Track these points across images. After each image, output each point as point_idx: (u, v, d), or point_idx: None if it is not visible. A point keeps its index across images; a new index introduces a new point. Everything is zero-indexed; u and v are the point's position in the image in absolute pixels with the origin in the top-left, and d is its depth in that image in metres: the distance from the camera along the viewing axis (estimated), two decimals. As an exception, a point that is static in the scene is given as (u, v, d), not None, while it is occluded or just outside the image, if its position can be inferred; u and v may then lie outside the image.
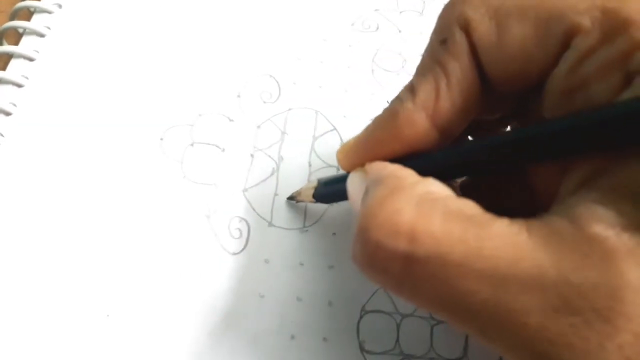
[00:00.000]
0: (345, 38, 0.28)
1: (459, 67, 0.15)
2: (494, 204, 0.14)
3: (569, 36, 0.13)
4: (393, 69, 0.28)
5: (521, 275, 0.11)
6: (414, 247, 0.12)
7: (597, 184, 0.12)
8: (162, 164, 0.24)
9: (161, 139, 0.24)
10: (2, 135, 0.24)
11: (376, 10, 0.30)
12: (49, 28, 0.27)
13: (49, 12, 0.28)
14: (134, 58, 0.26)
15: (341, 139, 0.25)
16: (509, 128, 0.19)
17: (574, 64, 0.13)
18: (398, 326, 0.21)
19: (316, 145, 0.25)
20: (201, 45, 0.27)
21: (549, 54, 0.14)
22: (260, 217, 0.23)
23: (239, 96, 0.26)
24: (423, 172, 0.14)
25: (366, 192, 0.14)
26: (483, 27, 0.14)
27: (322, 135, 0.25)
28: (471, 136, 0.19)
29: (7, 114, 0.24)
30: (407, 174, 0.14)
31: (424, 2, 0.30)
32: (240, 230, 0.22)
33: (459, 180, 0.19)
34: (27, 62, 0.26)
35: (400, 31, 0.29)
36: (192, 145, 0.24)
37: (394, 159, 0.16)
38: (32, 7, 0.28)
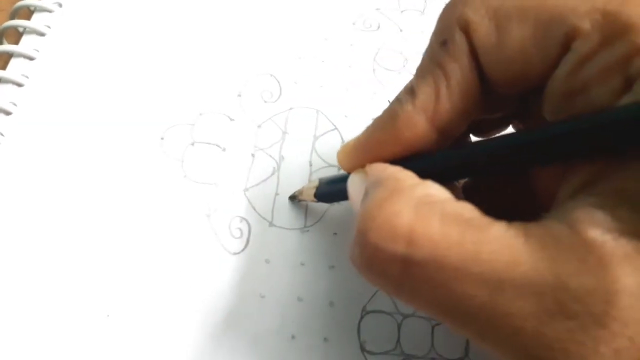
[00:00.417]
0: (346, 37, 0.28)
1: (458, 69, 0.15)
2: (493, 204, 0.14)
3: (569, 39, 0.13)
4: (394, 68, 0.27)
5: (518, 279, 0.11)
6: (412, 250, 0.12)
7: (595, 188, 0.12)
8: (162, 164, 0.23)
9: (162, 138, 0.24)
10: (2, 134, 0.23)
11: (377, 9, 0.30)
12: (49, 27, 0.27)
13: (49, 11, 0.27)
14: (134, 57, 0.26)
15: (342, 139, 0.25)
16: (510, 127, 0.19)
17: (574, 67, 0.13)
18: (399, 326, 0.21)
19: (317, 144, 0.25)
20: (202, 44, 0.27)
21: (549, 57, 0.13)
22: (261, 216, 0.23)
23: (239, 95, 0.26)
24: (423, 173, 0.14)
25: (366, 194, 0.14)
26: (483, 29, 0.14)
27: (323, 134, 0.25)
28: (473, 135, 0.19)
29: (7, 113, 0.24)
30: (407, 176, 0.14)
31: (425, 1, 0.30)
32: (241, 230, 0.22)
33: (462, 182, 0.19)
34: (27, 61, 0.26)
35: (401, 30, 0.29)
36: (192, 144, 0.24)
37: (394, 160, 0.16)
38: (32, 5, 0.27)
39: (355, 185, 0.17)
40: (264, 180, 0.24)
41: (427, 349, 0.20)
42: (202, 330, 0.20)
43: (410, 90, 0.15)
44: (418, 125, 0.15)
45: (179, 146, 0.24)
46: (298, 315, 0.21)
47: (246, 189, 0.23)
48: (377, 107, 0.26)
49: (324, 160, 0.24)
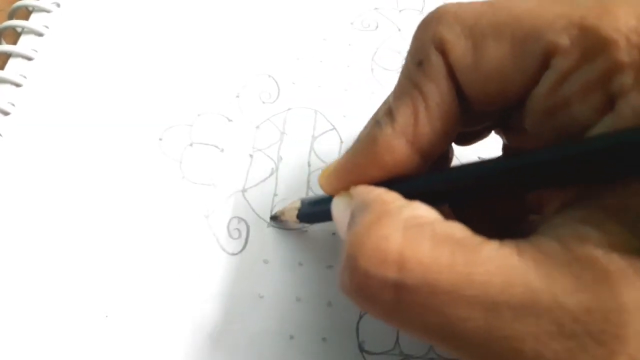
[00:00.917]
0: (344, 37, 0.28)
1: (436, 90, 0.14)
2: (481, 213, 0.13)
3: (547, 56, 0.13)
4: (393, 67, 0.27)
5: (513, 300, 0.11)
6: (403, 275, 0.12)
7: (582, 203, 0.12)
8: (161, 164, 0.24)
9: (160, 139, 0.24)
10: (0, 135, 0.23)
11: (376, 8, 0.30)
12: (47, 27, 0.27)
13: (48, 11, 0.27)
14: (132, 58, 0.26)
15: (341, 139, 0.25)
16: (493, 134, 0.19)
17: (554, 84, 0.13)
18: (397, 326, 0.21)
19: (315, 145, 0.25)
20: (200, 45, 0.27)
21: (528, 74, 0.13)
22: (259, 217, 0.23)
23: (238, 96, 0.26)
24: (409, 194, 0.14)
25: (352, 218, 0.14)
26: (459, 48, 0.14)
27: (321, 134, 0.25)
28: (455, 144, 0.19)
29: (6, 113, 0.24)
30: (393, 198, 0.14)
31: (423, 1, 0.30)
32: (239, 230, 0.22)
33: None
34: (25, 61, 0.26)
35: (399, 30, 0.29)
36: (191, 145, 0.24)
37: (378, 183, 0.15)
38: (30, 6, 0.27)
39: (339, 208, 0.17)
40: (263, 181, 0.24)
41: (426, 349, 0.20)
42: (200, 331, 0.20)
43: (388, 113, 0.15)
44: (398, 150, 0.15)
45: (178, 147, 0.24)
46: (296, 315, 0.21)
47: (244, 190, 0.23)
48: (376, 106, 0.26)
49: (322, 161, 0.24)
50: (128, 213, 0.22)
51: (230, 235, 0.22)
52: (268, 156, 0.24)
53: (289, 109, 0.26)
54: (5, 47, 0.26)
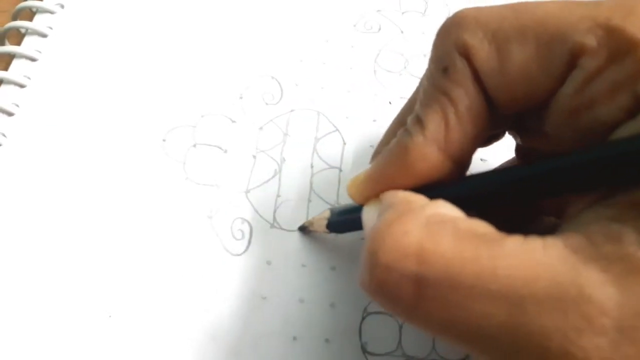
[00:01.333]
0: (347, 39, 0.28)
1: (465, 94, 0.14)
2: (493, 213, 0.13)
3: (574, 57, 0.13)
4: (395, 69, 0.28)
5: (539, 294, 0.10)
6: (424, 268, 0.12)
7: (609, 201, 0.12)
8: (164, 165, 0.24)
9: (163, 140, 0.24)
10: (4, 135, 0.24)
11: (378, 11, 0.30)
12: (51, 28, 0.27)
13: (52, 12, 0.28)
14: (136, 59, 0.26)
15: (343, 140, 0.25)
16: (507, 135, 0.19)
17: (581, 85, 0.13)
18: (400, 328, 0.21)
19: (318, 146, 0.25)
20: (203, 47, 0.27)
21: (554, 76, 0.13)
22: (263, 218, 0.23)
23: (241, 97, 0.26)
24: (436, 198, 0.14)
25: (377, 218, 0.14)
26: (483, 53, 0.14)
27: (324, 136, 0.25)
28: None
29: (10, 114, 0.24)
30: (417, 198, 0.14)
31: (426, 3, 0.30)
32: (242, 231, 0.22)
33: None
34: (29, 62, 0.26)
35: (402, 32, 0.29)
36: (194, 146, 0.24)
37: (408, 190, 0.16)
38: (34, 7, 0.28)
39: (370, 216, 0.17)
40: (266, 182, 0.24)
41: (429, 350, 0.20)
42: (203, 332, 0.20)
43: (418, 121, 0.15)
44: (430, 157, 0.15)
45: (181, 148, 0.24)
46: (299, 316, 0.21)
47: (248, 191, 0.23)
48: (378, 108, 0.26)
49: (325, 162, 0.24)
50: (131, 214, 0.22)
51: (234, 236, 0.22)
52: (271, 157, 0.24)
53: (292, 111, 0.26)
54: (9, 48, 0.26)
